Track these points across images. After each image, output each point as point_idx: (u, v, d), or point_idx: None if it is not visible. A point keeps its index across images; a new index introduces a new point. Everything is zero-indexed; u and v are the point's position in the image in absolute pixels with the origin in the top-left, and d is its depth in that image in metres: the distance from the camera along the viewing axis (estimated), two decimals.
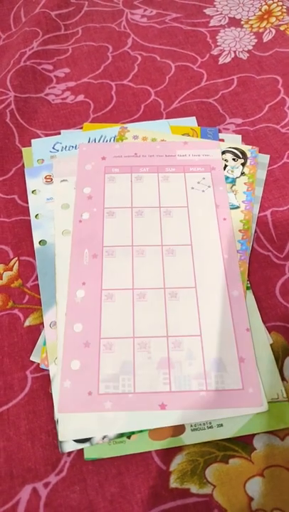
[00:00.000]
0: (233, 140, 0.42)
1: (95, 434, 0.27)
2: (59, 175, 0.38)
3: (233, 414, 0.28)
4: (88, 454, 0.28)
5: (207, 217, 0.36)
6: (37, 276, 0.35)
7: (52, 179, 0.38)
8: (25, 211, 0.38)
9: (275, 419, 0.28)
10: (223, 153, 0.40)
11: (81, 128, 0.44)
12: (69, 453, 0.28)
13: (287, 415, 0.29)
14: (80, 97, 0.46)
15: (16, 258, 0.36)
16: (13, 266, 0.35)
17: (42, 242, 0.35)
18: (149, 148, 0.40)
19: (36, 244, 0.35)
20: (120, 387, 0.29)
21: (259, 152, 0.42)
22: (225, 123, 0.44)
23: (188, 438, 0.28)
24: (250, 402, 0.28)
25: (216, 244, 0.34)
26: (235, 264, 0.34)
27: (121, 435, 0.28)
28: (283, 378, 0.30)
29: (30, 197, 0.38)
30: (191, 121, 0.44)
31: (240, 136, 0.42)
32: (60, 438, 0.27)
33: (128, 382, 0.29)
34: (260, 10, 0.55)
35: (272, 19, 0.53)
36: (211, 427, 0.28)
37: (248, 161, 0.40)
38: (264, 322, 0.32)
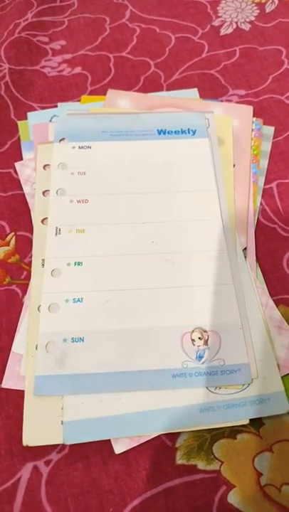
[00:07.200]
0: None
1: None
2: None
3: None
4: None
5: None
6: None
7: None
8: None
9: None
10: None
11: (79, 100, 0.42)
12: None
13: None
14: (77, 70, 0.45)
15: (13, 233, 0.34)
16: (9, 241, 0.34)
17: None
18: None
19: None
20: None
21: (263, 124, 0.40)
22: (228, 94, 0.42)
23: None
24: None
25: None
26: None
27: None
28: None
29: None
30: (192, 93, 0.42)
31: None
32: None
33: None
34: None
35: None
36: None
37: (253, 133, 0.39)
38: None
